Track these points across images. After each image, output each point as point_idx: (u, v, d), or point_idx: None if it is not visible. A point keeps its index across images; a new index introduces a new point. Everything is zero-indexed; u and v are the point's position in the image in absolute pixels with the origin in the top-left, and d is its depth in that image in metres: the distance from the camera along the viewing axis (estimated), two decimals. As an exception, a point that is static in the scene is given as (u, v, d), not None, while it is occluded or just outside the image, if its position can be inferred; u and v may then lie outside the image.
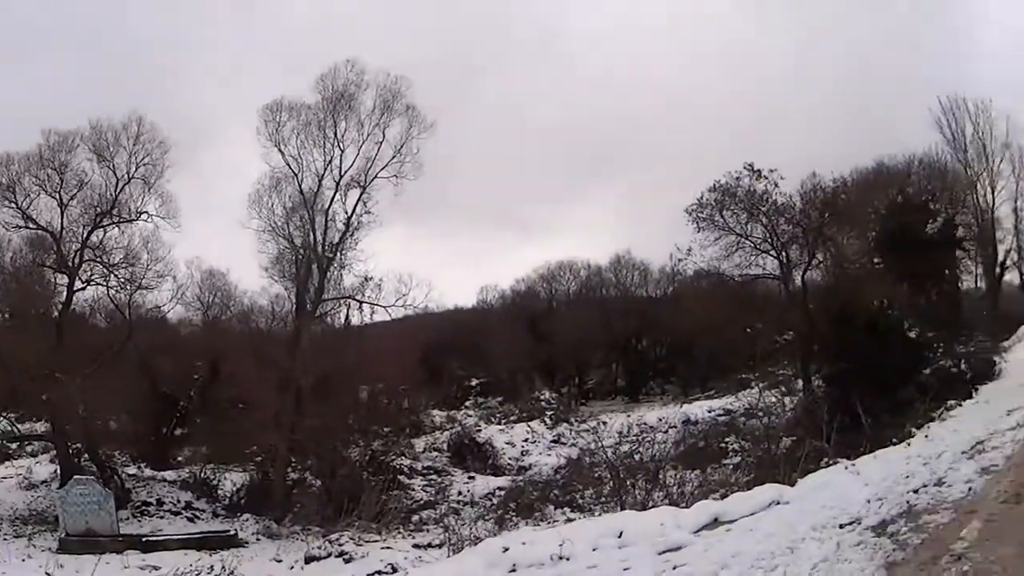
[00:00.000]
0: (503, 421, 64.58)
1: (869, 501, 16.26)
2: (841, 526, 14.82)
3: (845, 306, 44.02)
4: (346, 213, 49.72)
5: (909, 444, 24.42)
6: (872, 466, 20.84)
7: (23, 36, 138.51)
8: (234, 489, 47.43)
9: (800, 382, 50.95)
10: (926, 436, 25.44)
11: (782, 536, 14.97)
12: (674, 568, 14.57)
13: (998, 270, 72.45)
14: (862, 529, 14.36)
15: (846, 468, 21.12)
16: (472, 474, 52.68)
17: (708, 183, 52.80)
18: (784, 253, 52.55)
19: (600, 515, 26.94)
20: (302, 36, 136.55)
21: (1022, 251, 79.92)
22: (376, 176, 49.72)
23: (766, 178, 51.61)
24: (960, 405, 32.58)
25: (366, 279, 50.79)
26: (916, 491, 16.42)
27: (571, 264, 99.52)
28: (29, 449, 54.69)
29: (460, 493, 47.93)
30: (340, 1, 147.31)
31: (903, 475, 18.41)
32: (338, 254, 49.93)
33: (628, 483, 34.45)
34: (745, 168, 51.83)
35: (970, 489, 15.77)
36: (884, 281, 46.88)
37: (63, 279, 46.29)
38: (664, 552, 15.88)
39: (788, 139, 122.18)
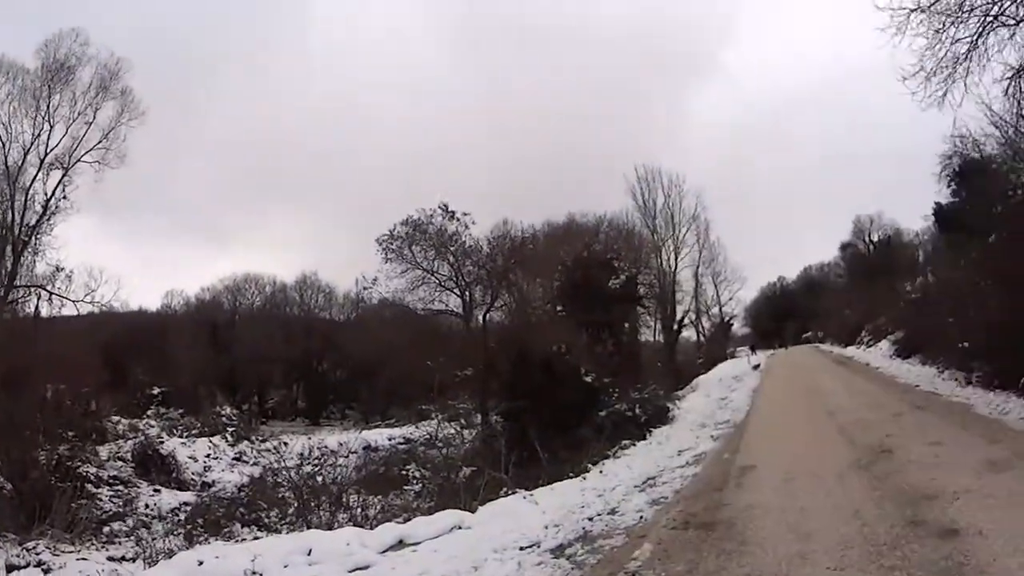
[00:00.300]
0: (185, 434, 63.89)
1: (547, 527, 17.73)
2: (521, 548, 16.14)
3: (524, 347, 45.65)
4: (46, 194, 49.06)
5: (584, 478, 25.83)
6: (549, 497, 22.41)
7: None
8: None
9: (479, 416, 52.21)
10: (601, 471, 26.89)
11: (465, 557, 16.13)
12: (361, 585, 15.64)
13: (676, 327, 76.95)
14: (541, 551, 15.69)
15: (524, 498, 22.52)
16: (157, 487, 51.44)
17: (400, 216, 53.81)
18: (468, 292, 54.47)
19: (287, 534, 27.46)
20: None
21: (699, 312, 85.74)
22: (80, 159, 49.72)
23: (459, 220, 53.00)
24: (634, 445, 34.02)
25: (58, 268, 50.17)
26: (591, 519, 18.04)
27: (257, 278, 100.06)
28: None
29: (147, 506, 46.82)
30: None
31: (579, 505, 20.14)
32: (33, 238, 49.08)
33: (312, 504, 35.10)
34: (440, 208, 53.05)
35: (641, 517, 17.42)
36: (563, 327, 48.84)
37: None
38: (353, 570, 16.93)
39: (488, 185, 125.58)
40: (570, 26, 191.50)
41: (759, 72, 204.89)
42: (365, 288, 59.17)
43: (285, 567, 17.86)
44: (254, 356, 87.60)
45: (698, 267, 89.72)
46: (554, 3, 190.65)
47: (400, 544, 19.07)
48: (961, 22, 25.27)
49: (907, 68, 26.13)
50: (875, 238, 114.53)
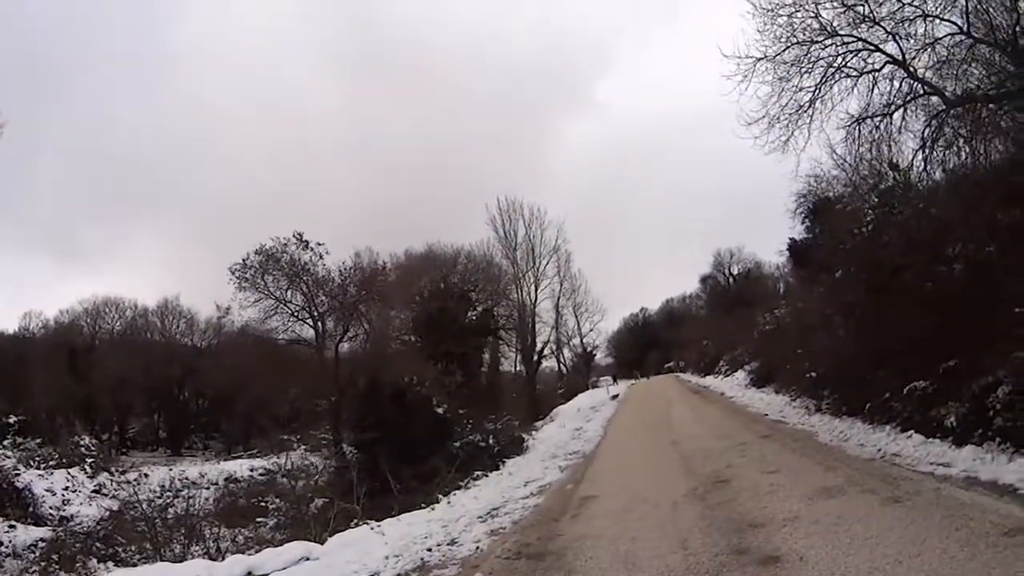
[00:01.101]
0: (43, 465, 61.27)
1: (388, 558, 18.28)
2: None
3: (375, 378, 46.02)
4: None
5: (433, 509, 26.36)
6: (396, 527, 22.86)
7: None
8: None
9: (334, 446, 52.35)
10: (449, 502, 27.30)
11: None
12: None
13: (536, 358, 77.48)
14: None
15: (372, 528, 22.95)
16: (12, 523, 49.52)
17: (257, 242, 53.95)
18: (321, 323, 54.75)
19: (137, 568, 27.53)
20: None
21: (560, 343, 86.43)
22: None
23: (312, 250, 53.36)
24: (486, 476, 34.56)
25: None
26: (430, 549, 18.65)
27: (118, 302, 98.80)
28: None
29: (2, 543, 44.57)
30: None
31: (422, 535, 20.69)
32: None
33: (168, 537, 35.05)
34: (294, 236, 53.35)
35: (478, 548, 18.08)
36: (417, 359, 49.35)
37: None
38: (201, 603, 17.15)
39: (353, 215, 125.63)
40: (442, 55, 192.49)
41: (628, 107, 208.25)
42: (219, 317, 59.25)
43: None
44: (114, 383, 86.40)
45: (559, 298, 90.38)
46: (423, 30, 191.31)
47: (248, 575, 19.28)
48: (806, 72, 26.47)
49: (751, 114, 27.04)
50: (735, 271, 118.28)
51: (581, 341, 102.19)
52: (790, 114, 26.73)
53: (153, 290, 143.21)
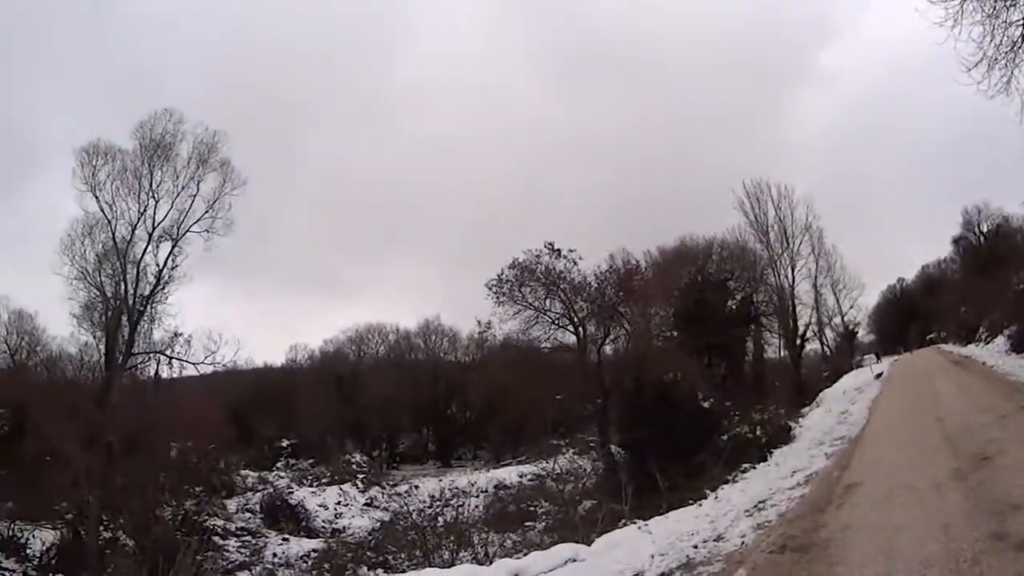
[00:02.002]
0: (315, 483, 64.01)
1: (653, 556, 17.50)
2: None
3: (639, 377, 45.37)
4: (157, 266, 50.33)
5: (701, 505, 25.37)
6: (663, 525, 22.01)
7: None
8: (44, 548, 45.42)
9: (601, 448, 51.62)
10: (716, 497, 26.32)
11: None
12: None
13: (799, 342, 75.16)
14: None
15: (639, 528, 22.13)
16: (286, 536, 52.17)
17: (511, 257, 53.96)
18: (582, 328, 54.16)
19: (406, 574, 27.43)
20: (125, 80, 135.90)
21: (823, 324, 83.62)
22: (188, 230, 50.99)
23: (565, 257, 53.00)
24: (754, 468, 33.46)
25: (176, 334, 51.28)
26: (696, 546, 17.78)
27: (380, 328, 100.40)
28: None
29: (275, 555, 47.62)
30: (163, 48, 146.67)
31: (688, 532, 19.77)
32: (149, 307, 50.01)
33: (437, 544, 35.05)
34: (545, 247, 53.09)
35: (743, 542, 17.16)
36: (679, 354, 48.50)
37: None
38: (466, 606, 16.74)
39: (595, 218, 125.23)
40: (658, 48, 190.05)
41: (854, 72, 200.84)
42: (481, 332, 59.26)
43: None
44: (381, 403, 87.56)
45: (815, 278, 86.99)
46: (634, 23, 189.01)
47: (516, 579, 18.58)
48: (1012, 4, 24.83)
49: (968, 59, 25.67)
50: (984, 228, 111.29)
51: (842, 319, 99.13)
52: (1005, 52, 25.17)
53: (414, 314, 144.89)
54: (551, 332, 55.20)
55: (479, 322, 58.41)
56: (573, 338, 55.21)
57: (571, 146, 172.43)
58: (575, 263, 53.62)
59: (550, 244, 53.41)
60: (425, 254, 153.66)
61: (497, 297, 53.75)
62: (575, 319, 54.50)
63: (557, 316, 54.55)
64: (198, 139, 50.77)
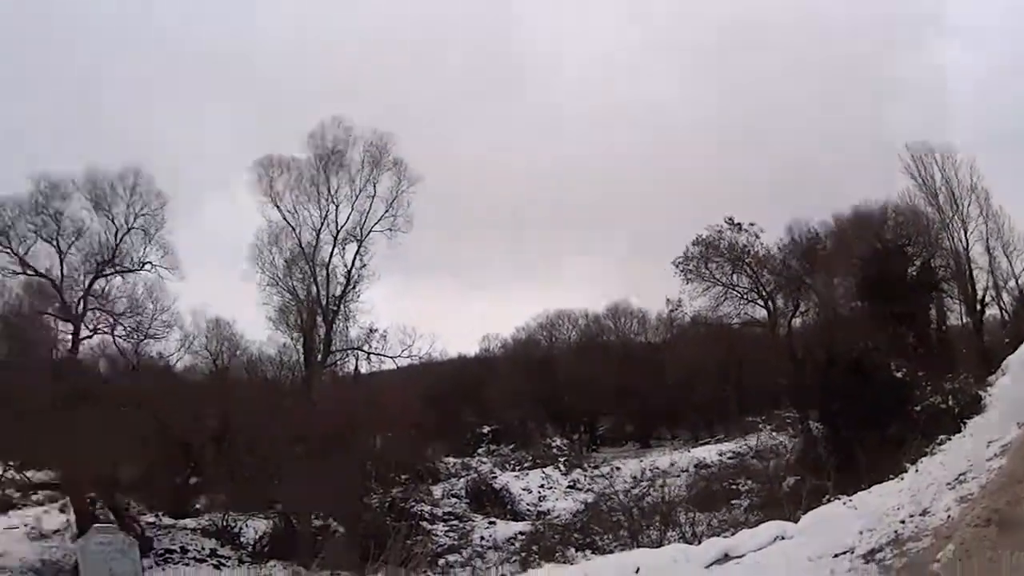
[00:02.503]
0: (517, 468, 64.84)
1: (861, 532, 17.99)
2: (835, 555, 16.56)
3: (831, 349, 45.63)
4: (345, 266, 51.53)
5: (901, 478, 25.49)
6: (867, 500, 22.19)
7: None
8: (257, 536, 47.99)
9: (799, 424, 51.63)
10: (916, 470, 26.40)
11: (783, 567, 16.62)
12: (685, 599, 16.30)
13: (979, 307, 73.72)
14: (854, 557, 16.10)
15: (844, 503, 22.47)
16: (492, 519, 52.94)
17: (696, 233, 54.28)
18: (771, 302, 54.52)
19: (616, 554, 27.83)
20: (293, 92, 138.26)
21: (999, 288, 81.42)
22: (371, 230, 51.61)
23: (747, 231, 53.16)
24: (949, 439, 33.24)
25: (371, 330, 52.05)
26: (903, 521, 18.16)
27: (569, 313, 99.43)
28: (35, 498, 53.53)
29: (482, 538, 48.47)
30: (325, 57, 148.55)
31: (893, 507, 20.03)
32: (342, 306, 51.25)
33: (643, 525, 36.15)
34: (726, 222, 53.27)
35: (948, 516, 17.43)
36: (867, 324, 48.36)
37: (67, 327, 46.68)
38: (679, 585, 17.48)
39: (773, 190, 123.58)
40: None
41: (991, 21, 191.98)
42: (671, 311, 59.62)
43: None
44: (577, 387, 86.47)
45: (987, 240, 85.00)
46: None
47: (725, 558, 19.38)
48: None
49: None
50: None
51: (1017, 283, 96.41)
52: None
53: (602, 298, 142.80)
54: (740, 307, 55.25)
55: (668, 300, 58.92)
56: (763, 312, 55.44)
57: (731, 124, 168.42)
58: (757, 236, 53.78)
59: (730, 219, 53.53)
60: (610, 236, 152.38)
61: (684, 275, 54.00)
62: (763, 293, 54.68)
63: (745, 291, 54.50)
64: (368, 142, 51.12)
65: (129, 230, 48.09)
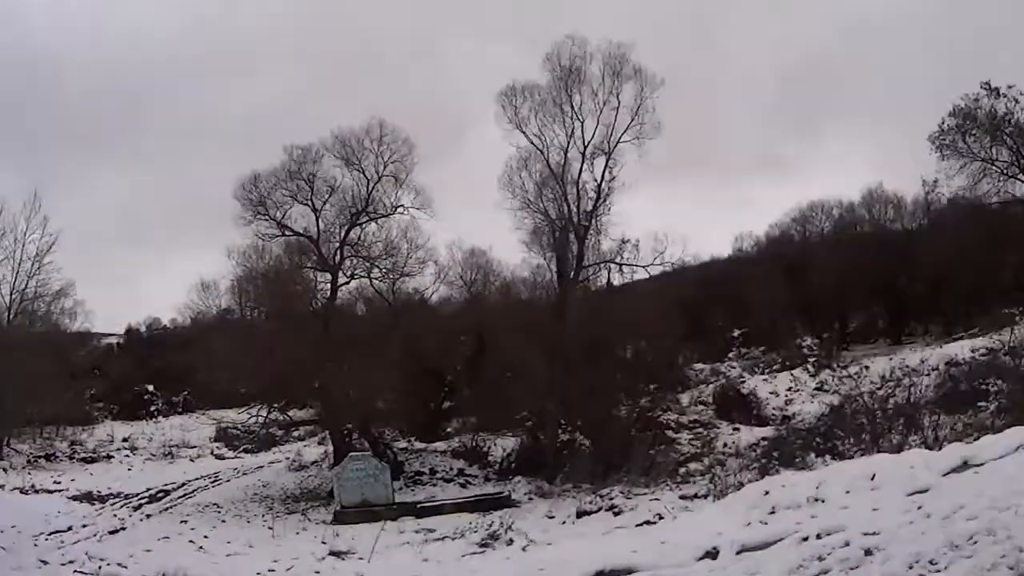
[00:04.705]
0: (766, 371, 65.46)
1: None
2: None
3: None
4: (595, 181, 51.11)
5: None
6: None
7: (252, 48, 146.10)
8: (504, 454, 49.64)
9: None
10: None
11: (1022, 478, 15.49)
12: (919, 508, 15.39)
13: None
14: None
15: None
16: (737, 426, 53.45)
17: (952, 103, 52.04)
18: (1032, 174, 51.41)
19: (855, 460, 27.23)
20: (532, 17, 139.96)
21: None
22: (619, 142, 50.78)
23: (1006, 96, 51.01)
24: None
25: (623, 242, 52.05)
26: None
27: (823, 204, 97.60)
28: (296, 434, 59.88)
29: (725, 445, 48.65)
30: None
31: None
32: (593, 221, 51.21)
33: (886, 428, 35.22)
34: (983, 88, 51.38)
35: None
36: None
37: (326, 276, 49.95)
38: (912, 494, 16.81)
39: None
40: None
41: None
42: (927, 193, 58.09)
43: (847, 492, 18.41)
44: (830, 282, 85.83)
45: None
46: None
47: (964, 465, 18.70)
48: None
49: None
50: None
51: None
52: None
53: (855, 185, 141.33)
54: (1000, 184, 53.42)
55: (924, 182, 57.48)
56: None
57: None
58: (1017, 101, 51.62)
59: (987, 84, 51.80)
60: (858, 120, 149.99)
61: (940, 151, 52.59)
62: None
63: (1005, 165, 52.66)
64: (606, 54, 51.12)
65: (380, 179, 50.42)
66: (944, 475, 18.08)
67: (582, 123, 50.89)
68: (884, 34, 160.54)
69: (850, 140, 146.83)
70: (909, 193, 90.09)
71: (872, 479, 18.70)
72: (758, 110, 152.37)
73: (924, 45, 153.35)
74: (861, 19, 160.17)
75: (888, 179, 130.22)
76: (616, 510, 33.82)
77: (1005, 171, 51.69)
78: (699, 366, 67.56)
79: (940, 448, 23.95)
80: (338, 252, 49.83)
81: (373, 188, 50.13)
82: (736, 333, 79.78)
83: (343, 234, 50.14)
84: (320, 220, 49.76)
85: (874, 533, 14.91)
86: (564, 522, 35.06)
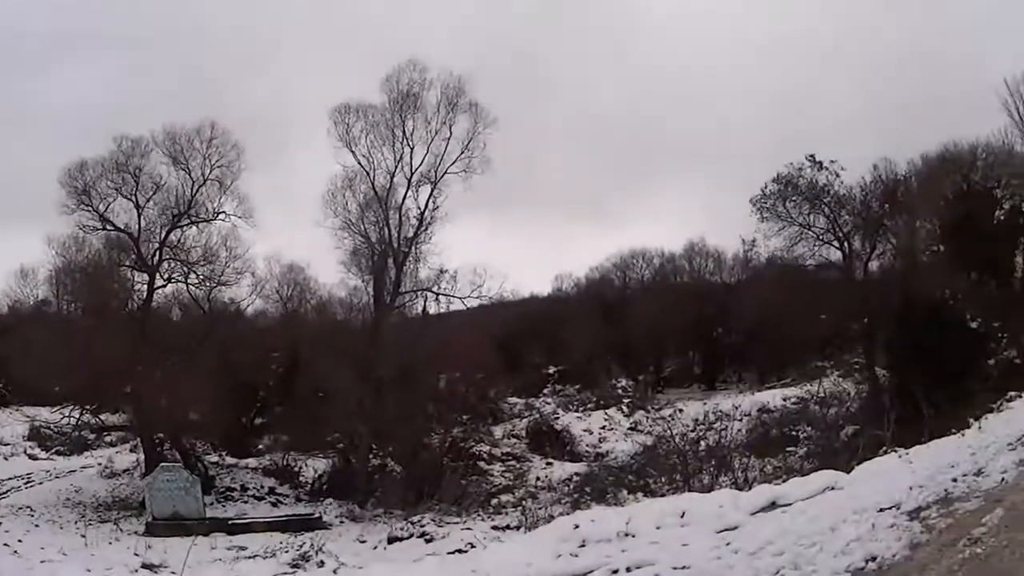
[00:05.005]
0: (580, 409, 65.76)
1: (912, 488, 17.11)
2: (880, 510, 15.73)
3: (907, 296, 44.59)
4: (418, 208, 51.55)
5: (963, 435, 24.95)
6: (923, 455, 21.59)
7: (79, 37, 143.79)
8: (316, 475, 49.15)
9: (866, 371, 50.93)
10: (979, 427, 25.81)
11: (827, 518, 15.87)
12: (727, 544, 15.71)
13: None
14: (899, 513, 15.26)
15: (899, 456, 21.90)
16: (550, 460, 54.04)
17: (776, 170, 53.50)
18: (847, 244, 53.25)
19: (665, 497, 27.73)
20: (369, 36, 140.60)
21: None
22: (446, 172, 51.45)
23: (827, 169, 52.38)
24: (1020, 396, 32.81)
25: (441, 271, 52.34)
26: (955, 480, 17.19)
27: (644, 252, 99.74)
28: (108, 439, 57.77)
29: (538, 478, 49.14)
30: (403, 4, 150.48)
31: (948, 464, 19.12)
32: (413, 248, 51.53)
33: (698, 469, 35.51)
34: (807, 159, 52.66)
35: (1003, 480, 16.31)
36: (947, 271, 47.39)
37: (143, 277, 48.58)
38: (722, 531, 16.99)
39: (856, 128, 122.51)
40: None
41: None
42: (747, 250, 59.51)
43: (657, 528, 18.27)
44: (647, 327, 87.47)
45: None
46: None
47: (772, 505, 18.96)
48: None
49: None
50: None
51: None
52: None
53: (678, 237, 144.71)
54: (816, 248, 54.71)
55: (743, 240, 58.96)
56: (838, 255, 54.47)
57: (821, 60, 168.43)
58: (837, 175, 52.93)
59: (811, 156, 52.95)
60: (686, 175, 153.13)
61: (761, 213, 53.71)
62: (839, 234, 53.70)
63: (821, 231, 53.93)
64: (445, 84, 51.64)
65: (205, 182, 49.58)
66: (753, 514, 18.38)
67: (412, 149, 51.34)
68: (714, 94, 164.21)
69: (676, 194, 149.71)
70: (730, 249, 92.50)
71: (682, 516, 18.74)
72: (587, 155, 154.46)
73: (753, 107, 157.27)
74: (695, 77, 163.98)
75: (711, 234, 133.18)
76: (428, 537, 33.85)
77: (821, 236, 53.30)
78: (514, 400, 67.32)
79: (750, 488, 24.29)
80: (157, 253, 48.80)
81: (198, 190, 49.40)
82: (552, 370, 79.71)
83: (164, 235, 49.17)
84: (142, 217, 48.79)
85: (684, 567, 15.27)
86: (375, 547, 35.09)
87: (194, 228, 50.29)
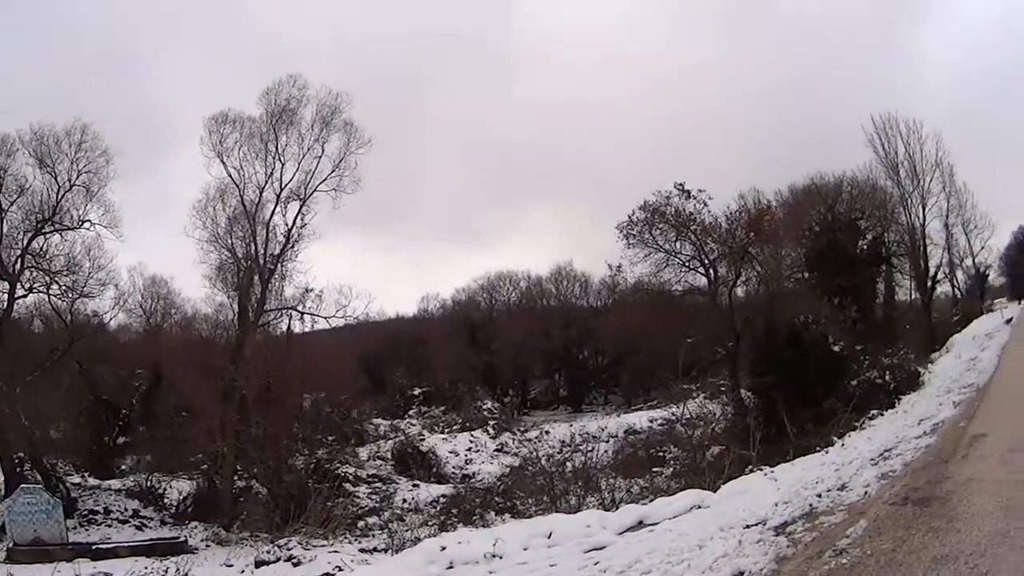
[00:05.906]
0: (446, 430, 65.81)
1: (777, 504, 17.35)
2: (747, 526, 15.87)
3: (770, 320, 45.60)
4: (287, 225, 51.19)
5: (827, 452, 25.33)
6: (788, 473, 21.95)
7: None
8: (180, 497, 48.35)
9: (731, 393, 51.83)
10: (843, 445, 26.23)
11: (695, 535, 15.93)
12: (595, 564, 15.57)
13: (930, 284, 73.31)
14: (765, 529, 15.39)
15: (765, 475, 22.19)
16: (416, 482, 53.75)
17: (644, 198, 53.90)
18: (712, 270, 54.19)
19: (532, 519, 27.73)
20: (253, 52, 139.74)
21: (954, 266, 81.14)
22: (315, 190, 51.41)
23: (695, 198, 52.96)
24: (882, 415, 33.31)
25: (307, 290, 52.23)
26: (820, 495, 17.47)
27: (511, 275, 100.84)
28: None
29: (405, 500, 48.85)
30: (289, 20, 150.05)
31: (813, 481, 19.49)
32: (279, 265, 51.23)
33: (565, 490, 35.50)
34: (676, 188, 53.14)
35: (866, 493, 16.69)
36: (809, 297, 48.37)
37: (3, 286, 46.83)
38: (589, 551, 16.80)
39: (728, 160, 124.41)
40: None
41: (978, 8, 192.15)
42: (613, 275, 59.72)
43: (525, 549, 18.19)
44: (513, 350, 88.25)
45: (947, 216, 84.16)
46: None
47: (639, 525, 19.07)
48: None
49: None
50: None
51: (973, 261, 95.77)
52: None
53: (546, 260, 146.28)
54: (682, 275, 55.62)
55: (610, 266, 58.93)
56: (704, 280, 55.53)
57: (697, 91, 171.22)
58: (705, 204, 53.71)
59: (680, 185, 53.48)
60: (557, 200, 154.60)
61: (627, 240, 54.11)
62: (706, 261, 54.63)
63: (688, 258, 54.80)
64: (321, 102, 51.71)
65: (71, 187, 48.12)
66: (620, 533, 18.39)
67: (283, 165, 51.15)
68: (596, 122, 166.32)
69: (548, 219, 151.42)
70: (596, 273, 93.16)
71: (550, 537, 18.77)
72: (462, 179, 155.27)
73: (635, 135, 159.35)
74: (577, 106, 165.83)
75: (580, 259, 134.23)
76: (295, 561, 32.94)
77: (687, 264, 54.01)
78: (379, 421, 67.49)
79: (617, 509, 24.30)
80: (19, 260, 47.26)
81: (63, 196, 48.02)
82: (418, 391, 79.31)
83: (26, 241, 47.62)
84: (4, 222, 47.34)
85: (552, 588, 15.12)
86: (243, 571, 34.41)
87: (57, 236, 48.97)
